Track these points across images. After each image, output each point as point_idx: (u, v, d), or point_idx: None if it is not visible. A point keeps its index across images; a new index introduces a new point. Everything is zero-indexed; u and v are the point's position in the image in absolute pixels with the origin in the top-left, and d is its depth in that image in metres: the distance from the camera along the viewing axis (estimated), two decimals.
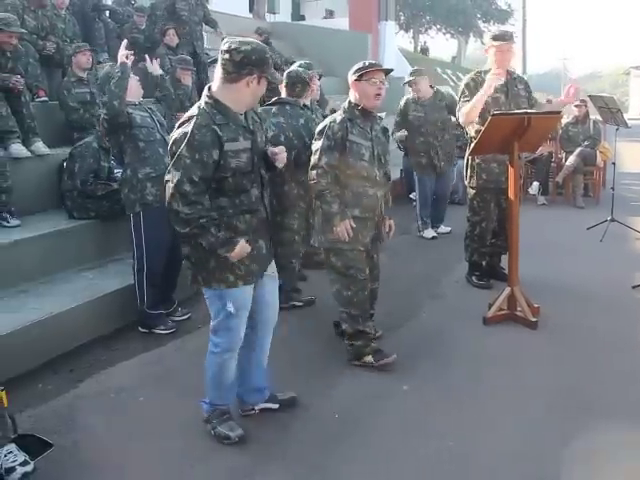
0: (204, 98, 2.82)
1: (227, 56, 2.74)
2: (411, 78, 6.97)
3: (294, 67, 4.95)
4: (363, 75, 3.69)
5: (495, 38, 4.89)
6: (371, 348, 3.85)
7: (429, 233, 7.11)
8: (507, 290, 4.54)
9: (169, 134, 3.04)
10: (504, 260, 5.11)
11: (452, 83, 17.92)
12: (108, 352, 4.11)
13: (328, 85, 6.76)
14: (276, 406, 3.34)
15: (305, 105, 4.71)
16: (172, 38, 8.12)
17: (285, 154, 3.02)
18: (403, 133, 7.05)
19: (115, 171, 5.39)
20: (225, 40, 2.80)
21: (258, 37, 9.92)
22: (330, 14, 20.50)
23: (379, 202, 3.86)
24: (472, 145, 4.61)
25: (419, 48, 31.99)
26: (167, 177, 2.76)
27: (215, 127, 2.72)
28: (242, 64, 2.73)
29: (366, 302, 3.89)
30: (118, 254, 5.08)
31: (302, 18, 20.69)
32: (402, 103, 7.14)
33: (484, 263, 5.40)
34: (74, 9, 8.14)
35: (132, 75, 4.41)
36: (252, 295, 3.01)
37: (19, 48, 5.82)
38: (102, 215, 5.10)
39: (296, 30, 15.09)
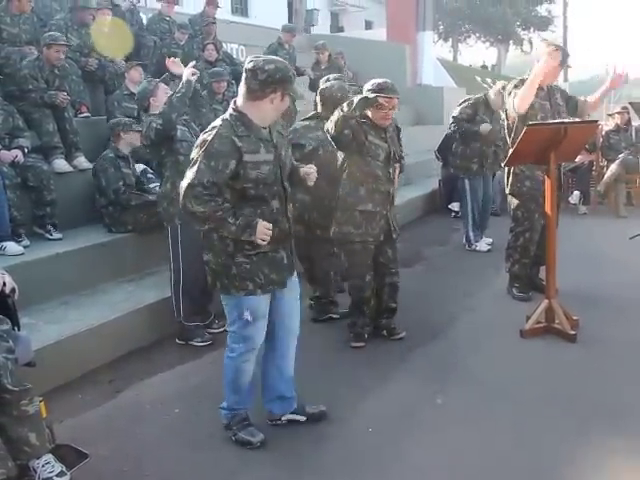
0: (229, 110, 2.95)
1: (251, 74, 2.85)
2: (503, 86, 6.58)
3: (328, 84, 4.93)
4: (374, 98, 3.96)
5: (553, 57, 4.72)
6: (354, 330, 4.34)
7: (483, 245, 6.94)
8: (545, 302, 4.44)
9: None
10: (543, 272, 5.01)
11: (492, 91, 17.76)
12: (146, 363, 4.16)
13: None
14: (303, 419, 3.34)
15: None
16: (211, 53, 8.24)
17: (315, 173, 3.15)
18: (488, 127, 6.61)
19: (152, 185, 5.49)
20: (249, 58, 2.91)
21: (320, 55, 9.97)
22: (369, 25, 20.55)
23: (389, 197, 4.24)
24: (508, 155, 4.54)
25: (483, 62, 32.07)
26: (182, 181, 2.88)
27: (235, 138, 2.85)
28: (266, 83, 2.84)
29: (367, 303, 4.31)
30: (155, 266, 5.15)
31: (341, 30, 20.77)
32: (473, 100, 6.87)
33: (525, 274, 5.30)
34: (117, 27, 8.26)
35: (161, 85, 4.51)
36: (270, 304, 3.09)
37: (66, 66, 5.98)
38: (139, 228, 5.17)
39: (334, 42, 15.08)
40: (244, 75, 2.89)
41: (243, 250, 2.96)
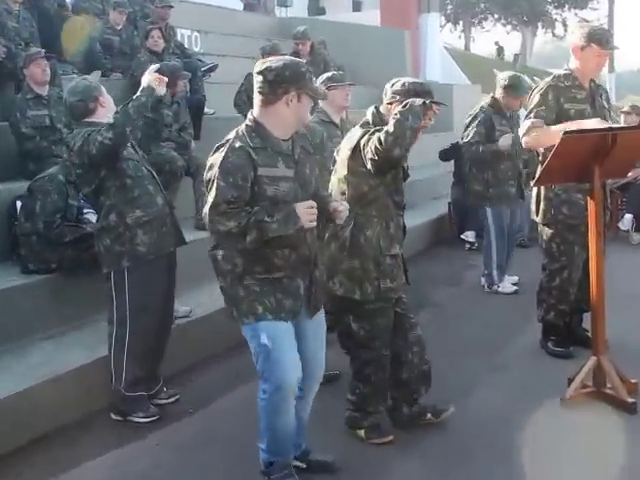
0: (246, 121, 3.33)
1: (261, 78, 3.24)
2: (506, 81, 6.78)
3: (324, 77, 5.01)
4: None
5: (597, 41, 4.83)
6: (369, 422, 4.11)
7: (507, 286, 6.99)
8: (592, 360, 4.44)
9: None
10: (587, 319, 5.03)
11: None
12: (70, 448, 4.08)
13: (356, 96, 6.76)
14: (304, 465, 3.69)
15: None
16: (157, 42, 8.28)
17: (347, 212, 3.47)
18: (509, 138, 6.61)
19: (85, 210, 5.44)
20: (258, 62, 3.30)
21: (300, 45, 10.06)
22: (357, 6, 20.85)
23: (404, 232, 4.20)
24: (538, 172, 4.58)
25: (496, 50, 32.02)
26: (205, 209, 3.23)
27: (249, 150, 3.20)
28: (276, 83, 3.21)
29: (384, 384, 4.11)
30: (86, 317, 5.09)
31: (322, 12, 20.95)
32: (481, 112, 6.84)
33: (563, 324, 5.32)
34: (31, 4, 8.24)
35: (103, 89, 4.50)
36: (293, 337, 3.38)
37: None
38: (65, 267, 5.13)
39: (313, 28, 15.26)
40: (255, 81, 3.27)
41: (253, 273, 3.29)
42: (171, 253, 4.56)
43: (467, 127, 6.88)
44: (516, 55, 36.24)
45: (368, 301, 3.94)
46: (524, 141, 5.01)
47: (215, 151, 3.29)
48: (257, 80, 3.27)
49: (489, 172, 6.83)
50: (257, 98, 3.29)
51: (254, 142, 3.23)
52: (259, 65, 3.27)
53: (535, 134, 4.88)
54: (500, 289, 6.96)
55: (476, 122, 6.79)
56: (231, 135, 3.29)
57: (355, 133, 3.98)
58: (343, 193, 3.94)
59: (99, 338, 4.48)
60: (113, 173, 4.29)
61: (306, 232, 3.30)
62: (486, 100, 7.04)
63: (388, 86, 4.01)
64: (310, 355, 3.48)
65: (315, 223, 3.25)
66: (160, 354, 4.59)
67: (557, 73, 5.11)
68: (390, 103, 3.94)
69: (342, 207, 3.45)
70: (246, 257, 3.26)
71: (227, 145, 3.22)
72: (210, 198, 3.18)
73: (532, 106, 5.01)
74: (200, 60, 9.64)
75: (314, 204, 3.23)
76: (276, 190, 3.22)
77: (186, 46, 10.33)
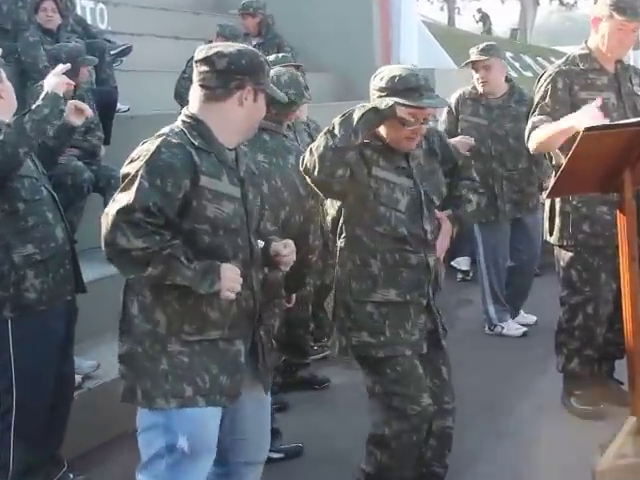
0: (181, 117, 3.24)
1: (206, 67, 3.16)
2: (479, 58, 6.92)
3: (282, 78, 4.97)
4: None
5: (621, 10, 4.85)
6: None
7: (514, 327, 7.04)
8: (631, 422, 4.40)
9: None
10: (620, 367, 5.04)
11: (514, 74, 18.15)
12: None
13: (312, 85, 6.69)
14: None
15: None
16: (50, 17, 8.19)
17: (294, 256, 3.40)
18: (469, 141, 6.70)
19: None
20: (199, 48, 3.23)
21: (248, 19, 10.07)
22: None
23: (429, 273, 4.08)
24: (552, 181, 4.57)
25: (479, 19, 32.21)
26: (107, 208, 3.04)
27: (191, 150, 3.08)
28: (229, 73, 3.15)
29: (413, 450, 4.04)
30: None
31: None
32: (453, 100, 7.13)
33: (590, 374, 5.32)
34: None
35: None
36: (221, 422, 3.24)
37: None
38: None
39: None
40: (196, 70, 3.21)
41: (180, 334, 3.11)
42: (69, 300, 4.49)
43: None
44: (514, 30, 36.75)
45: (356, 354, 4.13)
46: (529, 147, 5.04)
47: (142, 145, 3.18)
48: (200, 70, 3.19)
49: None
50: (198, 92, 3.22)
51: (197, 142, 3.12)
52: (205, 50, 3.18)
53: (534, 135, 4.90)
54: (504, 331, 7.00)
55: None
56: (164, 130, 3.18)
57: None
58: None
59: None
60: (1, 195, 4.16)
61: (252, 273, 3.25)
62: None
63: (372, 80, 3.98)
64: (250, 438, 3.41)
65: (234, 296, 3.10)
66: (61, 429, 4.51)
67: (572, 54, 5.13)
68: None
69: (286, 250, 3.37)
70: (172, 309, 3.11)
71: (160, 138, 3.09)
72: (122, 197, 3.00)
73: (537, 98, 5.05)
74: (108, 41, 9.51)
75: (239, 277, 3.09)
76: (218, 210, 3.09)
77: (89, 22, 10.24)
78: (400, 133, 3.92)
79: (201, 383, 3.11)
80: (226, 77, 3.13)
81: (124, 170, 3.10)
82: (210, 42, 9.68)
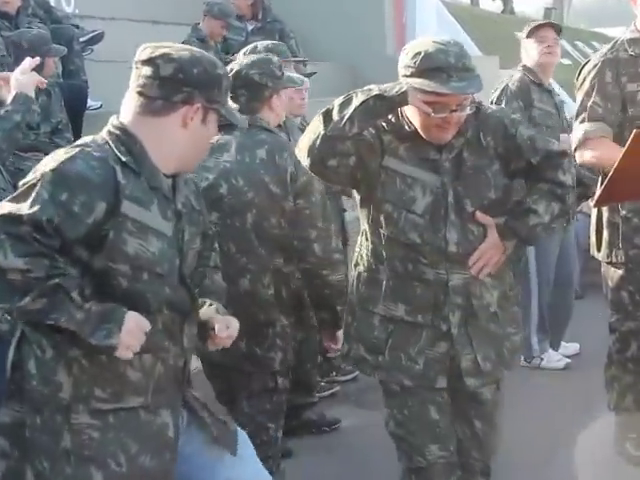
0: (108, 127, 3.02)
1: (149, 70, 2.94)
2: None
3: (247, 58, 5.01)
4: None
5: None
6: None
7: (555, 359, 7.06)
8: None
9: None
10: None
11: None
12: None
13: (313, 76, 6.68)
14: None
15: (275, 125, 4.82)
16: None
17: (235, 331, 3.21)
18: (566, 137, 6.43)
19: None
20: (143, 46, 3.01)
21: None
22: None
23: (454, 296, 3.83)
24: (599, 189, 4.59)
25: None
26: None
27: (116, 166, 2.87)
28: (175, 82, 2.93)
29: None
30: None
31: None
32: (514, 84, 6.95)
33: None
34: None
35: None
36: None
37: None
38: None
39: None
40: (135, 71, 2.99)
41: (89, 400, 2.87)
42: None
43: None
44: (548, 9, 36.48)
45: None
46: (577, 156, 4.92)
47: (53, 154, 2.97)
48: (141, 73, 2.95)
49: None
50: (134, 100, 3.00)
51: (126, 158, 2.90)
52: (149, 49, 2.97)
53: (592, 152, 4.85)
54: (544, 363, 7.01)
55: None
56: (85, 139, 3.02)
57: None
58: None
59: None
60: None
61: (182, 329, 3.06)
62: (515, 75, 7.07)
63: (400, 55, 3.75)
64: None
65: (132, 355, 2.82)
66: None
67: (619, 38, 5.11)
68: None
69: (226, 333, 3.16)
70: (79, 368, 2.85)
71: (78, 148, 2.89)
72: (11, 205, 2.74)
73: (582, 95, 4.99)
74: (76, 26, 9.51)
75: (143, 334, 2.83)
76: (141, 248, 2.86)
77: (53, 4, 10.18)
78: (428, 121, 3.65)
79: (115, 467, 2.86)
80: (171, 87, 2.93)
81: (25, 179, 2.85)
82: (197, 25, 9.89)
